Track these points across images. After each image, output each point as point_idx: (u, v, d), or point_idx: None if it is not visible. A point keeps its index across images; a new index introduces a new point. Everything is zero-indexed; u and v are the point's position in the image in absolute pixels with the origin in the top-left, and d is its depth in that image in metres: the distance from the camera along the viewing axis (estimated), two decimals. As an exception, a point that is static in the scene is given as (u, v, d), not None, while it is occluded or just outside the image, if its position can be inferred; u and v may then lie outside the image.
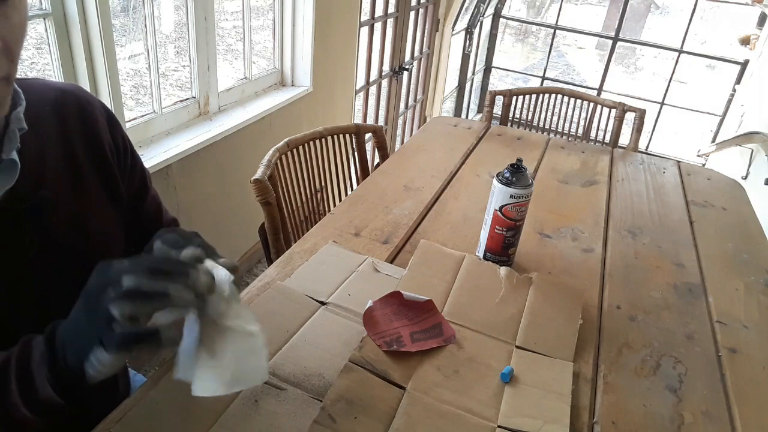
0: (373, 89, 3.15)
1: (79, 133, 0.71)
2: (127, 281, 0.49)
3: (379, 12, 2.92)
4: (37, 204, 0.64)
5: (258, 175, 1.22)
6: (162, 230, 0.61)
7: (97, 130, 0.73)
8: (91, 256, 0.70)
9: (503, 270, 1.00)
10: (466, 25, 4.44)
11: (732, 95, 4.59)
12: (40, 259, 0.65)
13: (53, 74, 1.42)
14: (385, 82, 3.27)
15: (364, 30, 2.84)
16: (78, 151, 0.70)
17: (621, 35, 4.80)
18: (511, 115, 2.12)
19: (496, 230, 1.01)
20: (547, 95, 2.16)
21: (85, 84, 1.45)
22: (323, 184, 1.54)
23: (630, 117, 1.98)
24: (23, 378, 0.53)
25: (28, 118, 0.61)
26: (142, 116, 1.74)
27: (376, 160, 1.64)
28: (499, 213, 0.99)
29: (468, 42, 4.57)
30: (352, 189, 1.57)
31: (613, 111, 2.04)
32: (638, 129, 1.93)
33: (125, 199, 0.78)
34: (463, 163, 1.52)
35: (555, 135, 2.20)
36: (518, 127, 2.15)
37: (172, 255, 0.56)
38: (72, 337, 0.52)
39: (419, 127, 4.04)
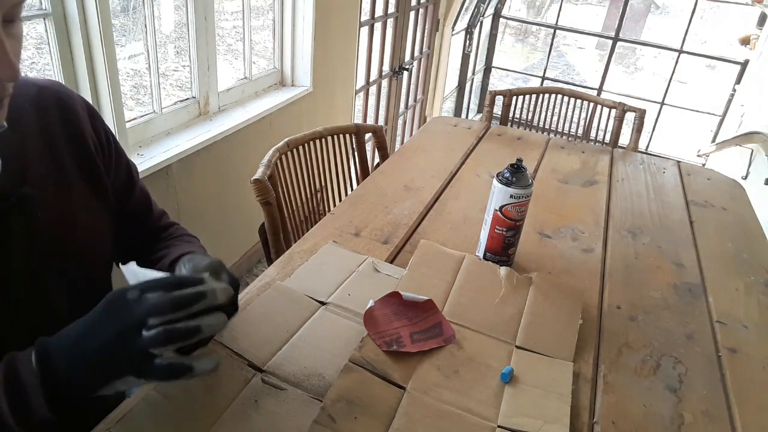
0: (373, 89, 3.15)
1: (60, 128, 0.71)
2: (158, 322, 0.52)
3: (379, 12, 2.92)
4: (20, 201, 0.63)
5: (258, 175, 1.22)
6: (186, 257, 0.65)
7: (78, 125, 0.73)
8: (78, 251, 0.71)
9: (503, 270, 1.00)
10: (466, 25, 4.44)
11: (732, 95, 4.59)
12: (27, 256, 0.65)
13: (53, 74, 1.42)
14: (385, 82, 3.27)
15: (364, 30, 2.84)
16: (60, 147, 0.70)
17: (621, 35, 4.80)
18: (511, 115, 2.12)
19: (496, 230, 1.01)
20: (547, 95, 2.16)
21: (85, 84, 1.45)
22: (323, 184, 1.54)
23: (630, 117, 1.98)
24: (15, 398, 0.53)
25: (8, 115, 0.60)
26: (142, 116, 1.74)
27: (376, 160, 1.64)
28: (499, 213, 0.99)
29: (468, 42, 4.57)
30: (352, 189, 1.56)
31: (613, 111, 2.04)
32: (638, 129, 1.93)
33: (112, 193, 0.78)
34: (463, 163, 1.52)
35: (555, 135, 2.20)
36: (518, 127, 2.15)
37: (190, 276, 0.58)
38: (88, 368, 0.53)
39: (419, 127, 4.04)
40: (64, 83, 0.77)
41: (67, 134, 0.72)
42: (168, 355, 0.53)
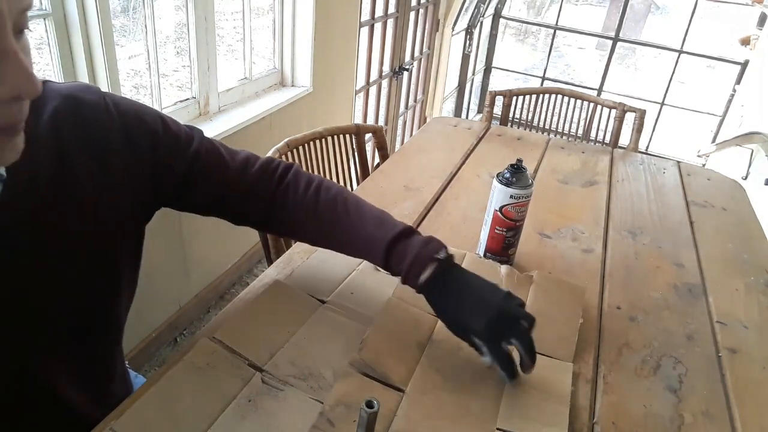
0: (373, 89, 3.15)
1: (79, 149, 0.62)
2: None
3: (379, 12, 2.92)
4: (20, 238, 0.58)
5: (258, 175, 1.22)
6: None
7: (104, 144, 0.64)
8: (84, 297, 0.66)
9: (504, 269, 0.99)
10: (466, 26, 4.44)
11: (732, 95, 4.59)
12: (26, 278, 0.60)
13: (53, 74, 1.42)
14: (385, 83, 3.27)
15: (364, 30, 2.84)
16: (78, 170, 0.62)
17: (621, 35, 4.80)
18: (511, 115, 2.12)
19: (496, 230, 1.01)
20: (547, 95, 2.16)
21: (85, 84, 1.44)
22: (323, 184, 1.54)
23: (630, 117, 1.98)
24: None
25: (26, 132, 0.51)
26: (142, 116, 1.73)
27: (376, 160, 1.64)
28: (499, 213, 0.99)
29: (468, 42, 4.57)
30: (352, 189, 1.56)
31: (613, 111, 2.04)
32: (638, 129, 1.93)
33: (171, 187, 0.75)
34: (463, 164, 1.52)
35: (555, 135, 2.20)
36: (518, 128, 2.15)
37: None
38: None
39: (419, 128, 4.04)
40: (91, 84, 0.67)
41: (88, 156, 0.63)
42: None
